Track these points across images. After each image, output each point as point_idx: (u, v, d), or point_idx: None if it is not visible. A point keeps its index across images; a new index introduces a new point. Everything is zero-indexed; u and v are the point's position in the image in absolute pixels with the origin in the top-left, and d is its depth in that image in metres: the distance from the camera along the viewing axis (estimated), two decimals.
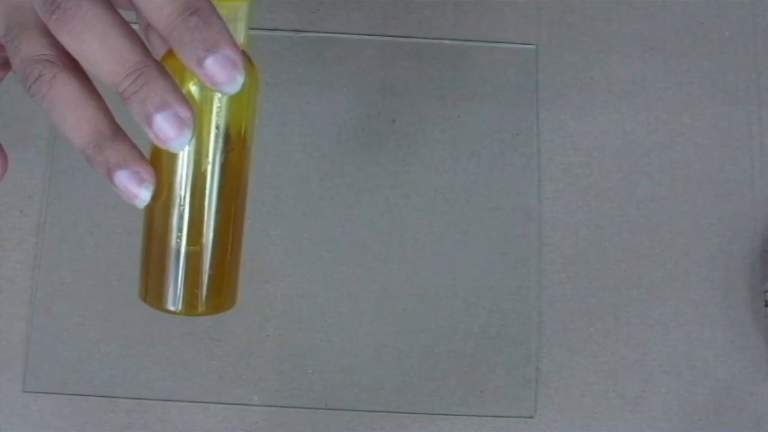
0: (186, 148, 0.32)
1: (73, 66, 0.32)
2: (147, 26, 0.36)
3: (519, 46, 0.54)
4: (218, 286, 0.35)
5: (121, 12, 0.31)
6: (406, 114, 0.53)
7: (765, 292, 0.50)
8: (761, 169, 0.53)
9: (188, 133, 0.30)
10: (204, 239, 0.34)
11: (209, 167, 0.34)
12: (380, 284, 0.50)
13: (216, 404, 0.48)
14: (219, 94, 0.33)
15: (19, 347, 0.49)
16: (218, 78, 0.30)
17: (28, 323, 0.49)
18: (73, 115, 0.31)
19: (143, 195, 0.32)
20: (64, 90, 0.31)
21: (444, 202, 0.52)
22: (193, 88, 0.33)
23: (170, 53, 0.33)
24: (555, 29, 0.55)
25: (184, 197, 0.34)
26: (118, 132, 0.32)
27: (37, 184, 0.51)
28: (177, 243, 0.34)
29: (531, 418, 0.49)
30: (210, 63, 0.30)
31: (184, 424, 0.48)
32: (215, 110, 0.34)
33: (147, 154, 0.33)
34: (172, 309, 0.35)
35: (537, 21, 0.54)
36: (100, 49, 0.30)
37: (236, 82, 0.30)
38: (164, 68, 0.31)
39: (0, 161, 0.35)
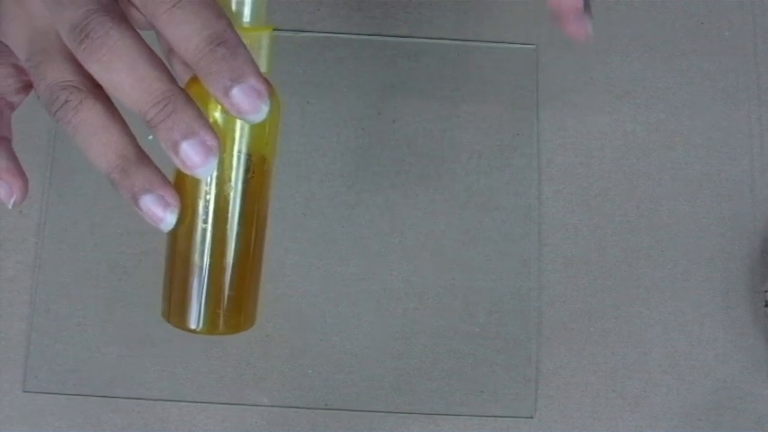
0: None
1: (97, 91, 0.32)
2: (170, 51, 0.37)
3: (519, 46, 0.54)
4: (239, 306, 0.36)
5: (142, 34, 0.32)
6: (406, 114, 0.53)
7: (765, 291, 0.50)
8: (761, 169, 0.53)
9: (214, 160, 0.31)
10: (226, 261, 0.35)
11: (232, 192, 0.35)
12: (380, 284, 0.50)
13: (216, 404, 0.48)
14: (242, 121, 0.34)
15: (19, 347, 0.49)
16: (244, 107, 0.31)
17: (28, 323, 0.49)
18: (98, 140, 0.32)
19: (168, 219, 0.32)
20: (89, 115, 0.32)
21: (444, 202, 0.52)
22: (217, 114, 0.34)
23: (193, 80, 0.34)
24: (555, 29, 0.54)
25: (207, 220, 0.35)
26: (142, 157, 0.32)
27: (37, 185, 0.51)
28: (200, 265, 0.35)
29: (531, 418, 0.49)
30: (237, 93, 0.31)
31: (184, 424, 0.48)
32: (237, 136, 0.35)
33: (170, 178, 0.33)
34: (193, 328, 0.36)
35: (537, 21, 0.54)
36: (128, 77, 0.30)
37: (261, 111, 0.31)
38: (190, 97, 0.31)
39: (21, 184, 0.36)
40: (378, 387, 0.49)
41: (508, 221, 0.51)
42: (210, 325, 0.36)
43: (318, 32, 0.54)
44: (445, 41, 0.54)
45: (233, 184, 0.35)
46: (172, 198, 0.32)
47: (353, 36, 0.54)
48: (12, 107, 0.37)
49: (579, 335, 0.50)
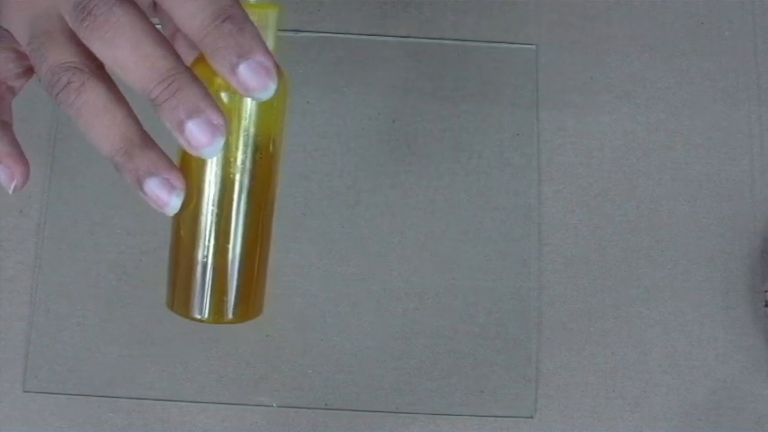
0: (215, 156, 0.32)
1: (100, 72, 0.32)
2: (174, 32, 0.36)
3: (519, 46, 0.54)
4: (246, 294, 0.35)
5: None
6: (406, 114, 0.53)
7: (765, 292, 0.50)
8: (761, 169, 0.53)
9: (220, 140, 0.30)
10: (232, 247, 0.34)
11: (239, 175, 0.34)
12: (380, 284, 0.50)
13: (216, 404, 0.48)
14: (250, 101, 0.33)
15: (19, 347, 0.49)
16: (251, 85, 0.30)
17: (28, 323, 0.49)
18: (101, 122, 0.31)
19: (173, 203, 0.32)
20: (92, 96, 0.31)
21: (444, 202, 0.52)
22: (223, 94, 0.33)
23: (199, 60, 0.33)
24: (555, 29, 0.55)
25: (213, 205, 0.34)
26: (147, 139, 0.31)
27: (37, 184, 0.51)
28: (205, 251, 0.34)
29: (531, 418, 0.49)
30: (243, 69, 0.30)
31: (184, 424, 0.48)
32: (245, 116, 0.34)
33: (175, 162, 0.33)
34: (199, 317, 0.35)
35: (537, 21, 0.54)
36: (132, 55, 0.30)
37: (268, 89, 0.30)
38: (195, 75, 0.30)
39: (22, 168, 0.35)
40: (378, 387, 0.49)
41: (508, 221, 0.51)
42: (216, 313, 0.35)
43: (318, 32, 0.54)
44: (445, 41, 0.54)
45: (240, 166, 0.34)
46: (177, 181, 0.32)
47: (353, 36, 0.54)
48: (13, 92, 0.37)
49: (579, 335, 0.50)
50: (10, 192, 0.35)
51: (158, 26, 0.36)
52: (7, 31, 0.35)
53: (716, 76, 0.54)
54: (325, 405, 0.49)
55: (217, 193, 0.34)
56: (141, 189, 0.31)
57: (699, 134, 0.53)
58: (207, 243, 0.34)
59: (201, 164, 0.33)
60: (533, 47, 0.54)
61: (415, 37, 0.54)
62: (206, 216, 0.34)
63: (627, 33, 0.55)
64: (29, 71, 0.36)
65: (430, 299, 0.50)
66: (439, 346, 0.50)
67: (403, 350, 0.50)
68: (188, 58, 0.34)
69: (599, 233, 0.52)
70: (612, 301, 0.51)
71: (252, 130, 0.34)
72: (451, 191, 0.52)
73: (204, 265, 0.34)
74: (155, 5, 0.31)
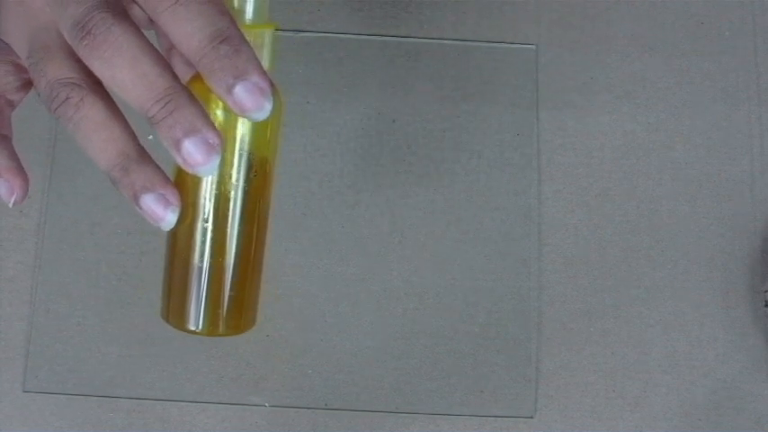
0: None
1: (98, 88, 0.32)
2: (170, 49, 0.37)
3: (519, 46, 0.54)
4: (239, 307, 0.36)
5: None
6: (406, 114, 0.53)
7: (765, 292, 0.50)
8: (761, 169, 0.53)
9: (216, 158, 0.31)
10: (227, 261, 0.35)
11: (233, 191, 0.35)
12: (380, 284, 0.50)
13: (216, 404, 0.48)
14: (244, 119, 0.33)
15: (19, 347, 0.49)
16: (247, 105, 0.31)
17: (28, 323, 0.49)
18: (99, 137, 0.31)
19: (169, 218, 0.32)
20: (90, 112, 0.31)
21: (444, 202, 0.52)
22: (219, 113, 0.34)
23: (195, 78, 0.33)
24: (555, 29, 0.55)
25: (208, 220, 0.35)
26: (143, 155, 0.32)
27: (37, 184, 0.51)
28: (200, 264, 0.35)
29: (531, 418, 0.49)
30: (239, 90, 0.30)
31: (184, 424, 0.48)
32: (240, 135, 0.34)
33: (170, 177, 0.33)
34: (193, 329, 0.35)
35: (537, 21, 0.54)
36: (130, 74, 0.30)
37: (264, 109, 0.31)
38: (192, 95, 0.31)
39: (22, 182, 0.36)
40: (378, 387, 0.49)
41: (508, 221, 0.51)
42: (210, 326, 0.36)
43: (318, 32, 0.54)
44: (445, 41, 0.54)
45: (235, 183, 0.35)
46: (173, 197, 0.32)
47: (353, 36, 0.54)
48: (12, 105, 0.37)
49: (579, 335, 0.50)
50: (10, 205, 0.35)
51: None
52: (6, 44, 0.35)
53: (716, 76, 0.54)
54: (325, 405, 0.49)
55: (212, 210, 0.35)
56: (137, 204, 0.32)
57: (699, 134, 0.53)
58: (201, 257, 0.35)
59: (197, 180, 0.34)
60: (533, 47, 0.54)
61: (415, 37, 0.54)
62: (201, 231, 0.35)
63: (627, 33, 0.55)
64: (27, 84, 0.37)
65: (430, 299, 0.50)
66: (439, 346, 0.50)
67: (403, 350, 0.50)
68: (183, 74, 0.35)
69: (599, 233, 0.52)
70: (612, 301, 0.51)
71: (247, 148, 0.35)
72: (451, 191, 0.52)
73: (199, 279, 0.35)
74: (151, 21, 0.32)
